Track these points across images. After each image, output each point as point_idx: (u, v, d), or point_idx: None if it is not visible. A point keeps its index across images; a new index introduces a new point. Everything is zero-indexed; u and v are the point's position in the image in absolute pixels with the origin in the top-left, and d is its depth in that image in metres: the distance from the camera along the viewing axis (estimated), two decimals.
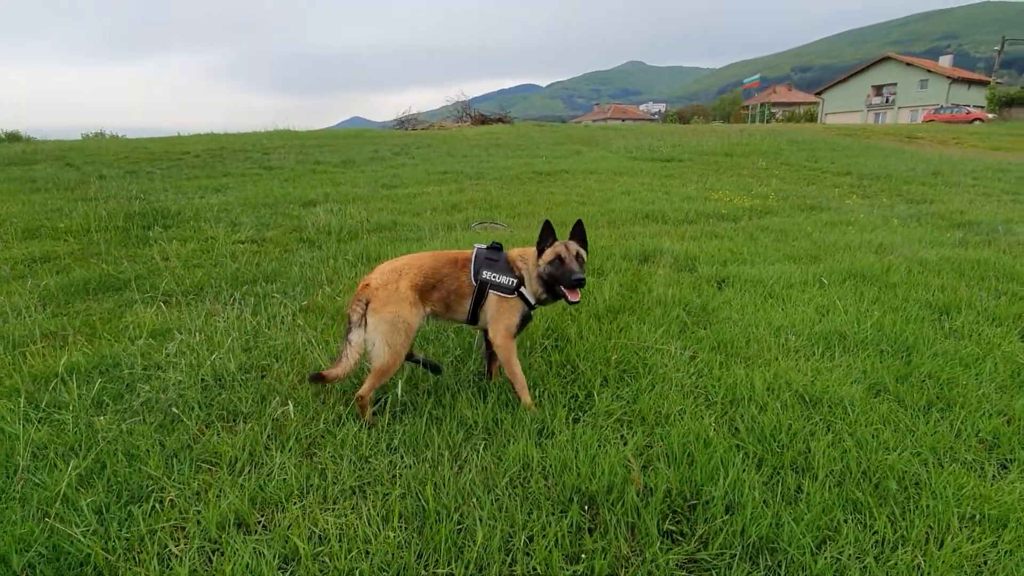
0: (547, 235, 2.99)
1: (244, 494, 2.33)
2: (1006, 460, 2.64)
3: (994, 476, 2.53)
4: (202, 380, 3.24)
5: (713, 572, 2.01)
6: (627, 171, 12.94)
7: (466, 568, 1.98)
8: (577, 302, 2.90)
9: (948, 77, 59.05)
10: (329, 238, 6.70)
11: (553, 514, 2.23)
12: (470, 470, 2.48)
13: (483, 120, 35.59)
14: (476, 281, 2.98)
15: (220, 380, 3.28)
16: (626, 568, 2.02)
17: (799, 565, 2.01)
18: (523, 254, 3.09)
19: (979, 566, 2.04)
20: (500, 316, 2.98)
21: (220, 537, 2.12)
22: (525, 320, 3.05)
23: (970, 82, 59.92)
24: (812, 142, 19.22)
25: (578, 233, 3.06)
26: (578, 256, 2.95)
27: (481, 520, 2.17)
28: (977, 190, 10.58)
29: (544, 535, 2.12)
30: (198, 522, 2.20)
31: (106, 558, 2.02)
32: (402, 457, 2.60)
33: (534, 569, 2.00)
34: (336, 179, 11.76)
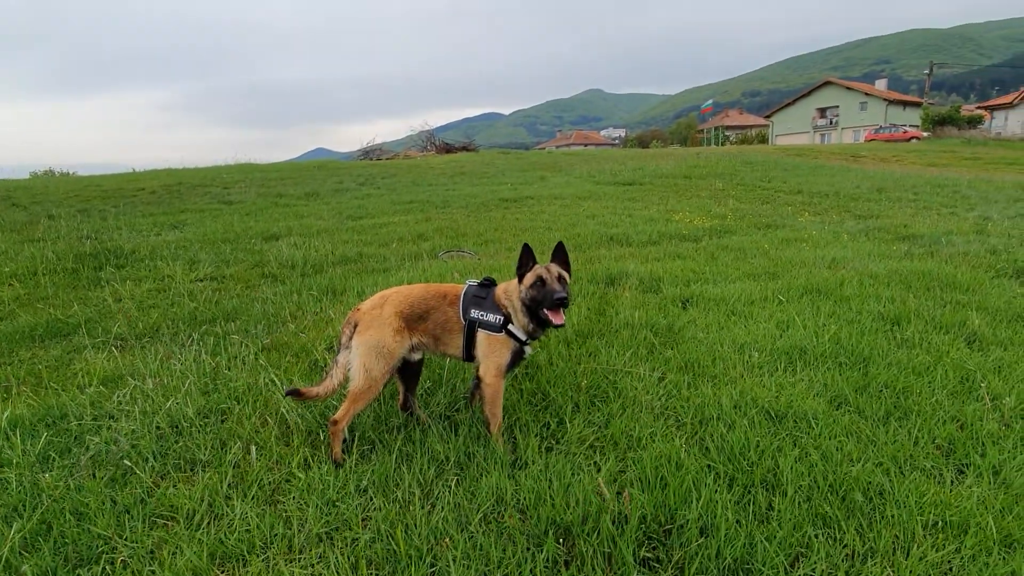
0: (527, 259, 2.92)
1: (203, 549, 2.20)
2: (962, 465, 2.74)
3: (953, 482, 2.61)
4: (157, 428, 3.09)
5: None
6: (591, 195, 13.21)
7: None
8: (562, 325, 2.81)
9: (885, 99, 62.95)
10: (293, 272, 6.57)
11: (529, 549, 2.19)
12: (442, 508, 2.42)
13: (448, 149, 35.96)
14: (465, 319, 2.92)
15: (176, 427, 3.13)
16: None
17: None
18: (507, 289, 3.01)
19: (945, 573, 2.09)
20: (490, 354, 2.90)
21: None
22: (517, 357, 2.97)
23: (904, 103, 64.01)
24: (765, 163, 20.08)
25: (559, 256, 2.98)
26: (560, 278, 2.86)
27: (455, 560, 2.11)
28: (918, 204, 11.21)
29: (520, 572, 2.07)
30: None
31: None
32: (371, 499, 2.52)
33: None
34: (300, 212, 11.61)
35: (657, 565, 2.14)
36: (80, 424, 3.16)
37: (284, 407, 3.23)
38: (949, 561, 2.13)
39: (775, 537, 2.19)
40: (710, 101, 65.15)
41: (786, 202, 11.85)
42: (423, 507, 2.44)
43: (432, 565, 2.12)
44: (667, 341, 4.19)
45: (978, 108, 67.02)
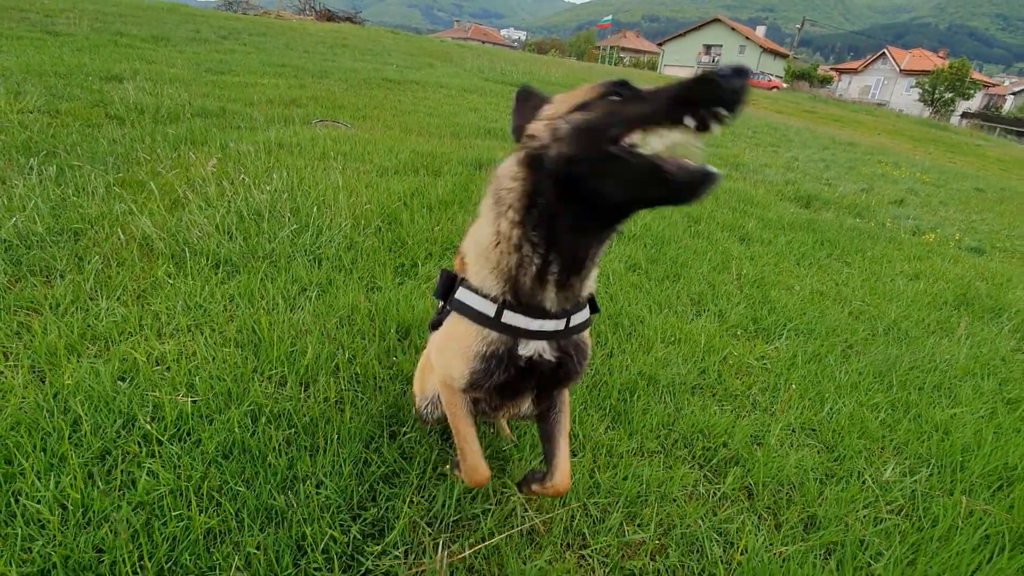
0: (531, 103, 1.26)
1: (73, 329, 2.45)
2: (701, 309, 3.81)
3: (692, 319, 3.67)
4: (4, 240, 3.07)
5: None
6: (477, 90, 13.19)
7: (297, 374, 2.44)
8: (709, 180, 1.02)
9: (761, 47, 67.80)
10: (143, 117, 6.05)
11: (374, 339, 2.77)
12: (302, 311, 2.88)
13: (330, 17, 32.25)
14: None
15: (26, 241, 3.12)
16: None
17: None
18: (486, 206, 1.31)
19: (667, 361, 3.07)
20: (434, 348, 1.60)
21: (52, 361, 2.27)
22: (499, 366, 1.33)
23: (775, 53, 69.62)
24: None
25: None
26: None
27: (312, 343, 2.62)
28: (752, 141, 13.00)
29: (366, 352, 2.66)
30: (25, 350, 2.31)
31: None
32: (238, 305, 2.89)
33: (356, 373, 2.53)
34: (146, 56, 10.14)
35: None
36: None
37: (146, 228, 3.34)
38: (670, 355, 3.12)
39: None
40: (609, 17, 64.95)
41: None
42: (286, 310, 2.88)
43: (292, 346, 2.61)
44: None
45: (832, 69, 75.15)
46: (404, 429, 2.24)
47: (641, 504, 2.10)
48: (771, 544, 2.02)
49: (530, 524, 1.96)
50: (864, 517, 2.20)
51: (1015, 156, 25.95)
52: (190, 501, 1.76)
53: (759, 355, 3.30)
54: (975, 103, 59.34)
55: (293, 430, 2.15)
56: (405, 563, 1.74)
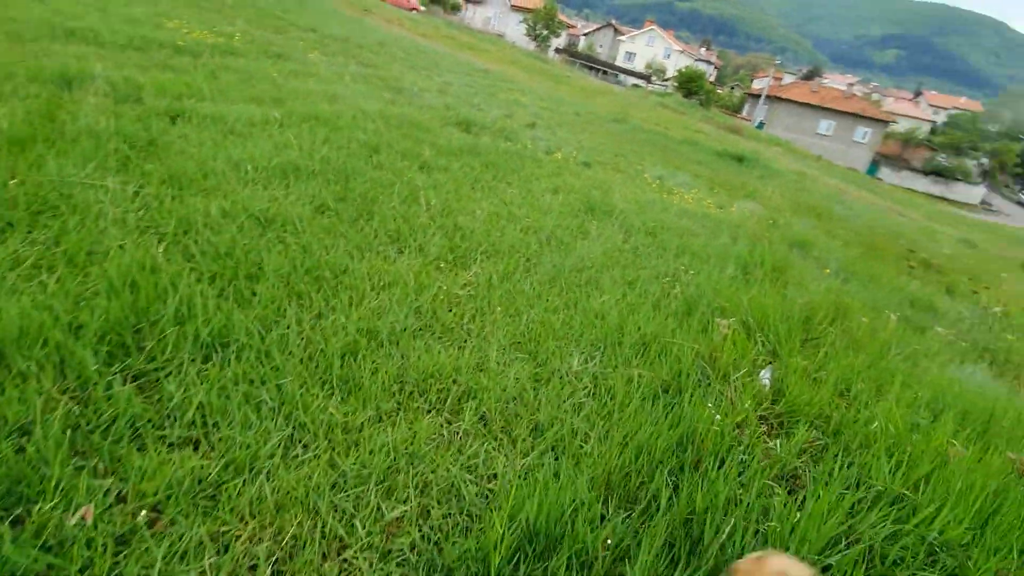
0: None
1: None
2: (402, 247, 3.71)
3: (395, 258, 3.54)
4: None
5: (165, 377, 2.06)
6: None
7: None
8: None
9: None
10: None
11: None
12: None
13: None
14: None
15: None
16: (78, 397, 1.80)
17: (250, 347, 2.31)
18: None
19: (382, 309, 2.89)
20: None
21: None
22: None
23: None
24: None
25: None
26: None
27: None
28: (407, 63, 13.14)
29: None
30: None
31: None
32: None
33: None
34: None
35: (127, 358, 2.07)
36: None
37: None
38: (384, 305, 2.95)
39: (253, 313, 2.47)
40: None
41: (299, 37, 11.60)
42: None
43: None
44: (148, 155, 3.67)
45: None
46: None
47: (394, 474, 1.96)
48: (511, 459, 2.19)
49: (268, 553, 1.59)
50: (568, 407, 2.60)
51: (591, 85, 33.87)
52: None
53: (462, 283, 3.44)
54: (561, 41, 74.14)
55: None
56: None
